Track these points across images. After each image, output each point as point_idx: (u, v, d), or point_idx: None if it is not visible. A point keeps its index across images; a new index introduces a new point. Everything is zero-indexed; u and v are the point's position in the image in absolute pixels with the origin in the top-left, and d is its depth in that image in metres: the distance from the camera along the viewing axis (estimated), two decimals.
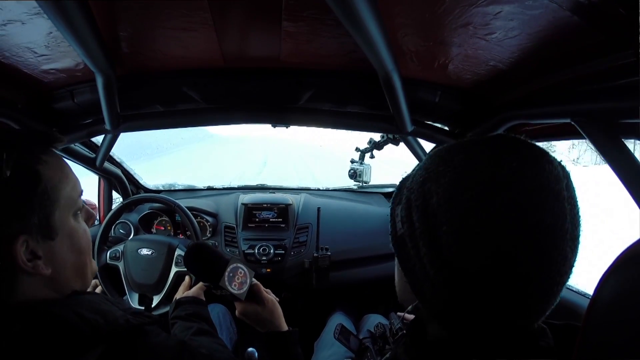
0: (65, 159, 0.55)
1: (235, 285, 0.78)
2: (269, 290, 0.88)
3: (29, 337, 0.44)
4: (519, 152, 0.40)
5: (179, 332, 0.83)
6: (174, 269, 1.29)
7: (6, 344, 0.43)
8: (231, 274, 0.78)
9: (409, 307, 0.50)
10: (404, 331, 1.03)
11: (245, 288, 0.80)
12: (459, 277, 0.39)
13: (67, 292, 0.53)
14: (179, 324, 0.86)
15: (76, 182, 0.54)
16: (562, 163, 0.41)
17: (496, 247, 0.37)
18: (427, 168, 0.43)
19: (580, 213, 0.40)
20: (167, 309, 1.28)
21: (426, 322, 0.50)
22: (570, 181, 0.40)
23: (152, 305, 1.29)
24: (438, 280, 0.40)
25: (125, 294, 1.32)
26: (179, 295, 1.01)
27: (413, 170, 0.48)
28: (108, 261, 1.32)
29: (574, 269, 0.40)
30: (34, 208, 0.47)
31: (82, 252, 0.55)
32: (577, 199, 0.40)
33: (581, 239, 0.40)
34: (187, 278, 1.13)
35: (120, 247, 1.32)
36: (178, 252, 1.31)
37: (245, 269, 0.81)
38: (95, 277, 1.29)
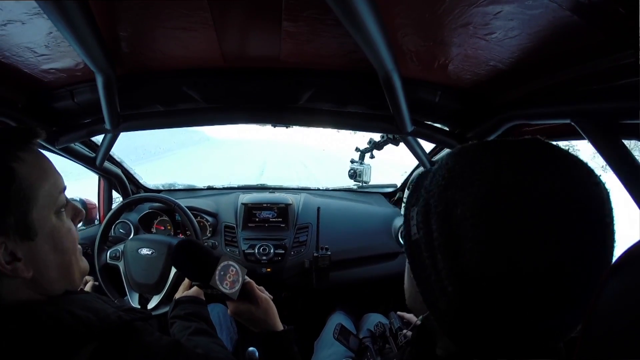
0: (46, 155, 0.53)
1: (226, 284, 0.75)
2: (262, 288, 0.86)
3: (22, 337, 0.43)
4: (561, 168, 0.35)
5: (177, 332, 0.82)
6: (174, 269, 1.30)
7: (1, 344, 0.42)
8: (222, 273, 0.75)
9: (418, 319, 0.46)
10: (404, 331, 1.03)
11: (238, 287, 0.76)
12: (481, 298, 0.35)
13: (52, 293, 0.51)
14: (177, 323, 0.85)
15: (57, 178, 0.52)
16: (603, 181, 0.37)
17: (527, 273, 0.34)
18: (451, 170, 0.39)
19: (616, 240, 0.36)
20: (167, 309, 1.28)
21: (436, 335, 0.47)
22: (611, 204, 0.36)
23: (153, 305, 1.29)
24: (456, 297, 0.37)
25: (126, 294, 1.32)
26: (178, 294, 1.00)
27: (433, 168, 0.44)
28: (108, 261, 1.32)
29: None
30: (10, 207, 0.45)
31: (65, 252, 0.53)
32: (615, 224, 0.36)
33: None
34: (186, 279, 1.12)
35: (120, 247, 1.33)
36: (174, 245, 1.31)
37: (237, 267, 0.77)
38: (90, 275, 1.29)
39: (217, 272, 0.74)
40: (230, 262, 0.77)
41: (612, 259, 0.36)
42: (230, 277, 0.76)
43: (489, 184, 0.35)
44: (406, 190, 1.77)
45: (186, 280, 1.10)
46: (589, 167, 0.36)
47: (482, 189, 0.35)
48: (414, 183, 0.46)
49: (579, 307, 0.35)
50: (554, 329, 0.36)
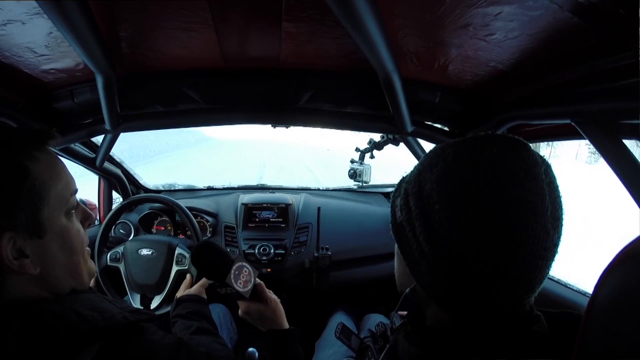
0: (60, 158, 0.54)
1: (240, 283, 0.80)
2: (270, 291, 0.89)
3: (28, 335, 0.43)
4: (500, 142, 0.44)
5: (179, 331, 0.84)
6: (174, 268, 1.29)
7: (5, 342, 0.43)
8: (237, 272, 0.80)
9: (407, 290, 0.52)
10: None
11: (250, 286, 0.82)
12: (449, 253, 0.43)
13: (60, 291, 0.52)
14: (179, 322, 0.86)
15: (69, 180, 0.53)
16: (544, 156, 0.46)
17: (481, 223, 0.41)
18: (422, 162, 0.50)
19: (562, 197, 0.44)
20: (169, 308, 1.28)
21: (424, 306, 0.53)
22: (550, 168, 0.44)
23: (154, 305, 1.28)
24: (432, 256, 0.44)
25: (127, 295, 1.32)
26: (180, 293, 1.01)
27: (412, 170, 0.53)
28: (109, 263, 1.31)
29: (558, 249, 0.44)
30: (21, 204, 0.46)
31: (74, 252, 0.54)
32: (558, 185, 0.45)
33: (564, 221, 0.44)
34: (188, 276, 1.12)
35: (120, 249, 1.32)
36: (178, 250, 1.31)
37: (250, 268, 0.83)
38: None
39: (232, 272, 0.79)
40: (244, 264, 0.83)
41: (557, 212, 0.43)
42: (244, 277, 0.82)
43: (448, 163, 0.45)
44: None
45: (187, 279, 1.10)
46: (523, 142, 0.45)
47: (442, 167, 0.45)
48: (398, 182, 0.55)
49: (532, 253, 0.41)
50: (516, 279, 0.42)
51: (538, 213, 0.41)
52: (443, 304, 0.47)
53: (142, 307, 1.29)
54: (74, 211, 0.55)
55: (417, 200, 0.47)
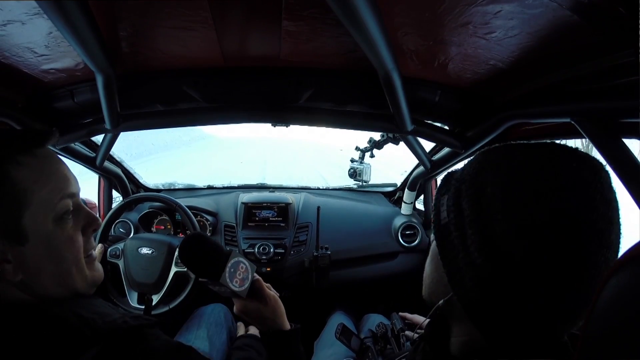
0: (56, 160, 0.52)
1: (236, 281, 0.70)
2: (269, 286, 0.82)
3: (27, 336, 0.43)
4: (580, 158, 0.40)
5: None
6: (173, 269, 1.30)
7: (5, 343, 0.42)
8: (232, 269, 0.70)
9: (440, 301, 0.48)
10: (407, 332, 1.03)
11: (247, 284, 0.72)
12: (507, 266, 0.39)
13: (49, 297, 0.50)
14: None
15: (60, 184, 0.50)
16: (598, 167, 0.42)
17: (553, 245, 0.37)
18: (481, 161, 0.45)
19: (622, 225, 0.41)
20: (166, 308, 1.28)
21: (455, 321, 0.49)
22: (616, 194, 0.41)
23: (152, 305, 1.28)
24: (484, 269, 0.40)
25: (125, 292, 1.32)
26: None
27: (463, 165, 0.49)
28: (108, 258, 1.32)
29: None
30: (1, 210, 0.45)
31: (63, 261, 0.50)
32: (620, 211, 0.41)
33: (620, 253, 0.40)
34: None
35: (120, 245, 1.32)
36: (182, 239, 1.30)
37: (247, 264, 0.73)
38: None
39: (227, 269, 0.69)
40: (241, 259, 0.72)
41: (618, 243, 0.39)
42: (240, 274, 0.71)
43: (518, 167, 0.41)
44: (406, 190, 1.77)
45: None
46: (602, 164, 0.42)
47: (509, 171, 0.41)
48: (444, 177, 0.51)
49: (590, 285, 0.38)
50: (568, 309, 0.39)
51: (604, 245, 0.38)
52: (481, 323, 0.43)
53: (138, 305, 1.29)
54: (69, 216, 0.51)
55: (474, 204, 0.42)
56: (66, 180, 0.51)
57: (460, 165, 0.51)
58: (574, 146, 0.43)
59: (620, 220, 0.40)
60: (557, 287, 0.38)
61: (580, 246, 0.37)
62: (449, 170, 0.52)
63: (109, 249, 1.33)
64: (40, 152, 0.50)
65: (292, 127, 1.21)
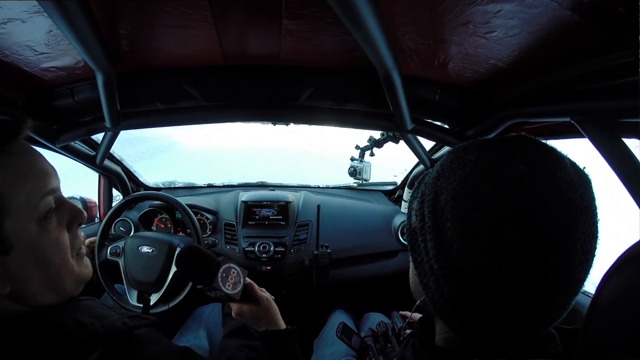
0: (31, 154, 0.47)
1: (229, 285, 0.79)
2: (263, 289, 0.88)
3: (25, 346, 0.42)
4: (529, 155, 0.38)
5: None
6: (173, 268, 1.30)
7: (3, 353, 0.41)
8: (224, 275, 0.78)
9: (418, 301, 0.49)
10: (409, 331, 1.03)
11: (239, 288, 0.80)
12: (459, 275, 0.39)
13: (41, 305, 0.47)
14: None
15: (38, 182, 0.45)
16: (585, 170, 0.40)
17: (496, 251, 0.36)
18: (443, 164, 0.44)
19: (599, 222, 0.38)
20: (165, 307, 1.28)
21: (436, 319, 0.50)
22: (589, 189, 0.38)
23: (152, 303, 1.29)
24: (441, 275, 0.41)
25: (125, 290, 1.32)
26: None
27: (434, 167, 0.48)
28: (108, 257, 1.32)
29: (585, 282, 0.39)
30: None
31: (50, 265, 0.46)
32: (596, 208, 0.38)
33: (597, 252, 0.38)
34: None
35: (121, 244, 1.32)
36: (179, 250, 1.31)
37: (238, 269, 0.81)
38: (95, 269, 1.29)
39: (219, 275, 0.77)
40: (232, 265, 0.80)
41: (590, 243, 0.37)
42: (232, 278, 0.80)
43: (467, 172, 0.40)
44: (406, 188, 1.77)
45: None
46: (558, 153, 0.39)
47: (460, 177, 0.40)
48: (418, 179, 0.50)
49: (553, 290, 0.37)
50: (528, 315, 0.38)
51: (565, 247, 0.36)
52: (450, 324, 0.43)
53: (137, 304, 1.29)
54: (51, 216, 0.47)
55: (432, 210, 0.42)
56: (45, 176, 0.47)
57: None
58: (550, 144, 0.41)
59: (594, 215, 0.38)
60: (511, 295, 0.37)
61: (529, 252, 0.36)
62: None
63: (109, 247, 1.33)
64: (14, 148, 0.44)
65: (289, 130, 1.21)
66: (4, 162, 0.42)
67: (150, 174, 1.93)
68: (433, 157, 1.41)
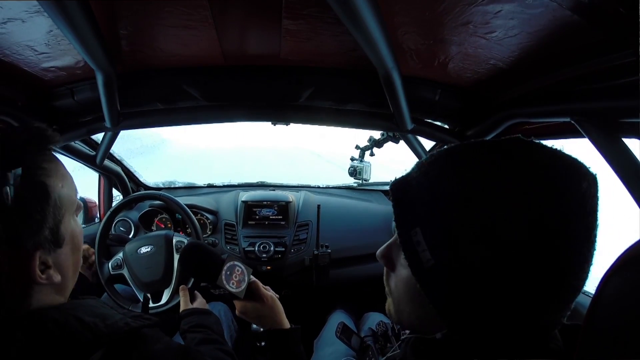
0: (59, 159, 0.52)
1: (233, 283, 0.78)
2: (268, 287, 0.88)
3: (30, 345, 0.42)
4: (500, 167, 0.39)
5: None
6: (177, 257, 1.28)
7: (8, 352, 0.42)
8: (228, 272, 0.78)
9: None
10: (408, 331, 1.03)
11: (244, 286, 0.80)
12: (462, 270, 0.38)
13: (68, 293, 0.52)
14: (186, 337, 0.87)
15: (72, 181, 0.52)
16: (593, 172, 0.39)
17: (500, 242, 0.36)
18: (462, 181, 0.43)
19: (598, 228, 0.38)
20: (167, 307, 1.27)
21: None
22: (596, 196, 0.38)
23: (165, 299, 1.26)
24: (441, 271, 0.40)
25: (137, 298, 1.30)
26: (181, 309, 1.00)
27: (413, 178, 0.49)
28: (112, 272, 1.29)
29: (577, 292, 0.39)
30: (47, 222, 0.46)
31: (79, 250, 0.54)
32: (598, 219, 0.38)
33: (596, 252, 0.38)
34: (181, 292, 1.06)
35: (119, 255, 1.30)
36: (176, 239, 1.29)
37: (243, 267, 0.81)
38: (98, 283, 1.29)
39: (223, 272, 0.77)
40: (236, 263, 0.80)
41: (590, 233, 0.37)
42: (237, 276, 0.79)
43: (467, 176, 0.40)
44: None
45: (185, 294, 1.04)
46: (573, 161, 0.39)
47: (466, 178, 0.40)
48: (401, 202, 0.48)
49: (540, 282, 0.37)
50: (528, 313, 0.38)
51: (559, 242, 0.36)
52: (449, 323, 0.42)
53: (155, 304, 1.28)
54: (79, 208, 0.55)
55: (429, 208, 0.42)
56: (70, 176, 0.53)
57: None
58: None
59: (596, 227, 0.38)
60: (511, 290, 0.37)
61: (541, 224, 0.36)
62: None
63: (109, 263, 1.29)
64: (51, 155, 0.50)
65: (292, 132, 1.21)
66: (51, 168, 0.48)
67: (142, 172, 1.93)
68: None
